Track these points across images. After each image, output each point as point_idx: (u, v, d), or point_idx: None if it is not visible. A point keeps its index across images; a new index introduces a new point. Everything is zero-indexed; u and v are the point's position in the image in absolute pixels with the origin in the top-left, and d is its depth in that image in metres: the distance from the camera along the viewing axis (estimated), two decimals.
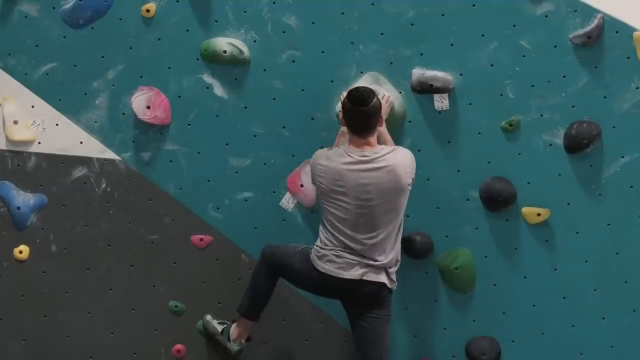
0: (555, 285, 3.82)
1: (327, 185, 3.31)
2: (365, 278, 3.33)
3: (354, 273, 3.32)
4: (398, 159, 3.36)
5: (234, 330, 3.73)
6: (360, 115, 3.29)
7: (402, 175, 3.32)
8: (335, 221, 3.33)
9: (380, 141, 3.49)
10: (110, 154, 3.94)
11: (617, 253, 3.75)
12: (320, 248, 3.41)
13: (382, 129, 3.58)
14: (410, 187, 3.44)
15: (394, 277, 3.41)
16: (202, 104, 3.89)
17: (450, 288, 3.84)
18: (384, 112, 3.57)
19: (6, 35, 3.94)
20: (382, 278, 3.35)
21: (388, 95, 3.70)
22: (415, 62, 3.79)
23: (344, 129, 3.54)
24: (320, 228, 3.52)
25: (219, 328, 3.77)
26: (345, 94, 3.48)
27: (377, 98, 3.36)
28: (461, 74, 3.76)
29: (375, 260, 3.32)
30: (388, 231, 3.36)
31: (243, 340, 3.69)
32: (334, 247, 3.37)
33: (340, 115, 3.55)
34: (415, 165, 3.48)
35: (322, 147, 3.64)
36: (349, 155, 3.28)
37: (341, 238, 3.32)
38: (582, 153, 3.75)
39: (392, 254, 3.38)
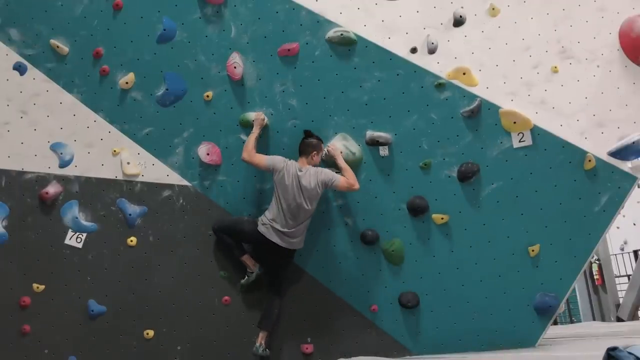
0: (452, 261, 5.58)
1: (282, 182, 5.11)
2: (287, 247, 5.20)
3: (280, 241, 5.18)
4: (317, 177, 5.13)
5: (247, 266, 5.42)
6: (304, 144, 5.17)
7: (316, 185, 5.14)
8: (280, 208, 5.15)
9: (344, 174, 5.28)
10: (185, 182, 5.60)
11: (489, 241, 5.60)
12: (266, 219, 5.19)
13: (344, 165, 5.34)
14: (319, 194, 5.18)
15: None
16: (240, 152, 5.53)
17: (389, 262, 5.55)
18: (336, 156, 5.40)
19: (122, 111, 5.64)
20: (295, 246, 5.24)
21: (331, 147, 5.48)
22: (368, 127, 5.64)
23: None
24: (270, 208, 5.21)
25: (244, 279, 5.48)
26: (328, 145, 5.37)
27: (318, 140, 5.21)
28: (396, 134, 5.67)
29: (294, 237, 5.19)
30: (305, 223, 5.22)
31: (256, 269, 5.42)
32: (274, 222, 5.16)
33: (322, 154, 5.39)
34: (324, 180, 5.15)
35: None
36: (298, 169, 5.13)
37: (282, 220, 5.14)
38: (468, 182, 5.63)
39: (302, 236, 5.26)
